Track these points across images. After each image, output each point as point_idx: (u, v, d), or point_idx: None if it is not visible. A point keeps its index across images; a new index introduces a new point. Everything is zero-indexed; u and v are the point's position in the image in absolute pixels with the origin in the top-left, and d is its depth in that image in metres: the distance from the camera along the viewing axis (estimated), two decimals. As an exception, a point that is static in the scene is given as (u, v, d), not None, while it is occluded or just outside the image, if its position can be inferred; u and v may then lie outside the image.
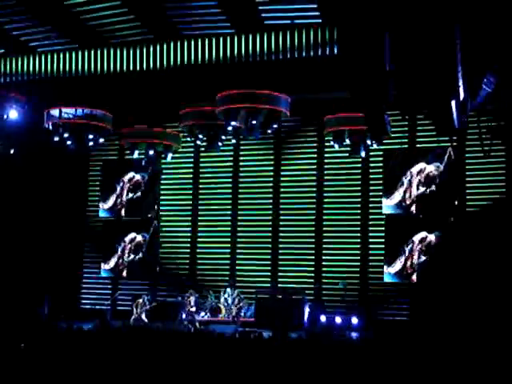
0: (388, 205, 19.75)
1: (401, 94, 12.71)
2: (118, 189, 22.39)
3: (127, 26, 19.02)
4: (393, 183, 19.76)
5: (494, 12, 11.92)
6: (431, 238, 19.31)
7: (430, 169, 19.42)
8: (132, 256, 22.06)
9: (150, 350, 9.42)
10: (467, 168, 19.56)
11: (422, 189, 19.45)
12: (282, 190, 21.59)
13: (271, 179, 21.71)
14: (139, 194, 22.21)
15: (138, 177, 22.27)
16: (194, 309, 19.56)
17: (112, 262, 22.19)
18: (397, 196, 19.64)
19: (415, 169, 19.58)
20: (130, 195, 22.27)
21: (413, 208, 19.54)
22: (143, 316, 19.69)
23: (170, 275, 21.78)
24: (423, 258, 19.24)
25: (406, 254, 19.46)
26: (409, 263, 19.42)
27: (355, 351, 10.23)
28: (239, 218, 21.92)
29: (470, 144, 19.26)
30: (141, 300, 19.98)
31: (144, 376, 8.13)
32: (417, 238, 19.44)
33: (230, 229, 21.97)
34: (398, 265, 19.50)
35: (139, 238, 22.09)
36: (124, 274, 22.14)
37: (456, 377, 8.14)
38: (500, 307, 11.64)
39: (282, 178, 21.62)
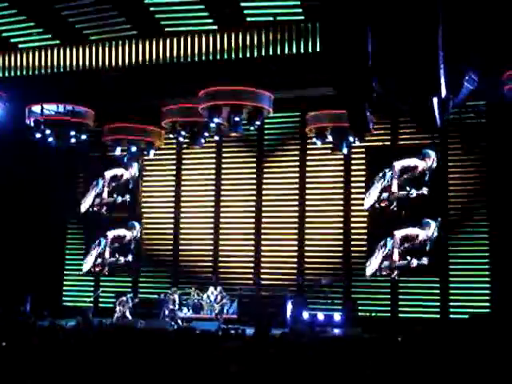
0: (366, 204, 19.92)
1: (383, 91, 12.72)
2: (100, 186, 22.33)
3: (110, 22, 18.96)
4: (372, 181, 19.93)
5: (476, 9, 11.96)
6: (414, 235, 19.39)
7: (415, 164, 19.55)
8: (115, 256, 22.02)
9: (133, 348, 9.40)
10: (449, 165, 19.65)
11: (406, 187, 19.54)
12: (264, 186, 21.60)
13: (254, 176, 21.71)
14: (126, 194, 22.17)
15: (124, 174, 22.24)
16: (176, 306, 19.52)
17: (90, 261, 22.14)
18: (373, 195, 19.76)
19: (397, 166, 19.71)
20: (114, 195, 22.22)
21: (393, 206, 19.65)
22: (126, 313, 19.62)
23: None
24: (408, 257, 19.33)
25: (384, 252, 19.55)
26: (387, 263, 19.49)
27: (339, 347, 10.25)
28: (222, 214, 21.90)
29: (451, 141, 19.36)
30: (123, 297, 19.91)
31: (126, 374, 8.11)
32: (398, 235, 19.54)
33: (212, 226, 21.95)
34: (374, 263, 19.55)
35: (122, 235, 22.07)
36: (105, 271, 22.11)
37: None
38: None
39: (264, 175, 21.62)
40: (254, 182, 21.68)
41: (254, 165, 21.74)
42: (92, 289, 22.48)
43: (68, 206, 23.01)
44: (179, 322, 18.86)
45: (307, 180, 21.17)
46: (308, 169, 21.17)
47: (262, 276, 21.12)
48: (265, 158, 21.69)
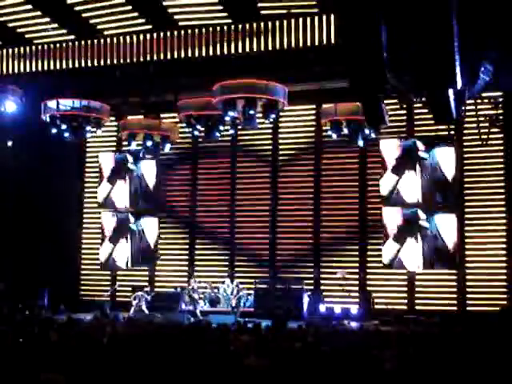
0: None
1: (398, 83, 12.66)
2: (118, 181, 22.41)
3: (124, 17, 19.01)
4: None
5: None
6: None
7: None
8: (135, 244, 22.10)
9: (150, 342, 9.42)
10: (465, 156, 19.53)
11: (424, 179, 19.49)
12: (279, 179, 21.57)
13: (269, 169, 21.69)
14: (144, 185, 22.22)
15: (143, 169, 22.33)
16: (195, 295, 19.57)
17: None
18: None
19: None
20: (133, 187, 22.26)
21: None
22: (143, 307, 19.68)
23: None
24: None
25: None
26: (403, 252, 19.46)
27: (356, 340, 10.24)
28: (237, 208, 21.88)
29: (468, 132, 19.25)
30: (140, 292, 19.96)
31: (144, 369, 8.15)
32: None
33: (228, 219, 21.95)
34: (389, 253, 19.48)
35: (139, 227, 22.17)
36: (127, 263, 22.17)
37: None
38: None
39: (280, 168, 21.60)
40: (269, 175, 21.66)
41: (270, 158, 21.72)
42: (109, 283, 22.53)
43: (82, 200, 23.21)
44: (198, 314, 18.87)
45: (322, 173, 21.13)
46: (323, 161, 21.13)
47: (278, 270, 21.13)
48: (281, 152, 21.66)
